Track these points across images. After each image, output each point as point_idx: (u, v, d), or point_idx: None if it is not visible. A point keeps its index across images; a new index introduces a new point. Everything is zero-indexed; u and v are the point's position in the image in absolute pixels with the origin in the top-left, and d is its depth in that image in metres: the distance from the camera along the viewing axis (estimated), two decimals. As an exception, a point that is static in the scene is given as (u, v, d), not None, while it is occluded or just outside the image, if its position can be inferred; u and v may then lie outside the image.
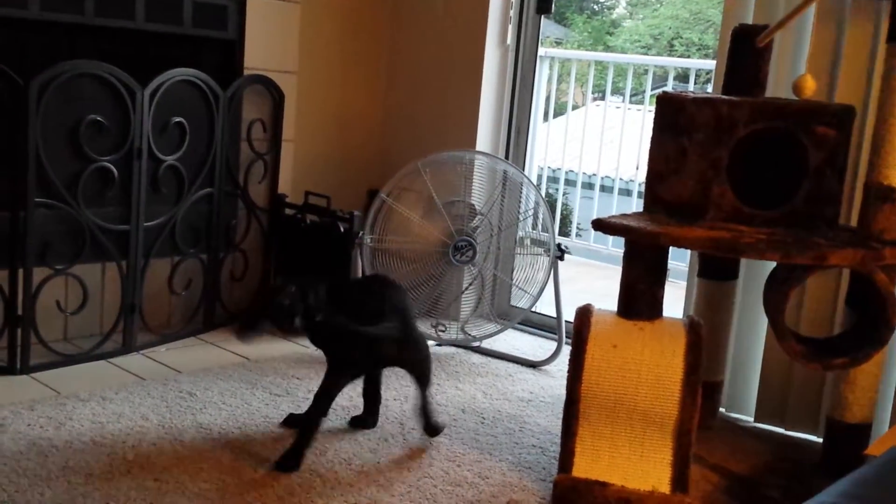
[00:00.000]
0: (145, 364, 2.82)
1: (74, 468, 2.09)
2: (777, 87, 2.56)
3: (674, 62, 5.95)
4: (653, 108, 2.26)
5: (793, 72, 2.55)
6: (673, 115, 2.13)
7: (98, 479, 2.05)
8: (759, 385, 2.68)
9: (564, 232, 5.24)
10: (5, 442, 2.19)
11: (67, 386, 2.57)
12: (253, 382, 2.71)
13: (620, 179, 4.67)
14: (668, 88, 4.21)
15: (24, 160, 2.57)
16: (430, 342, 3.20)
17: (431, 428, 2.40)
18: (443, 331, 3.16)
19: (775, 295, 2.09)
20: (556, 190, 4.80)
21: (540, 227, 3.24)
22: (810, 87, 2.17)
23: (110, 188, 2.81)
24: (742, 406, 2.73)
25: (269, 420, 2.45)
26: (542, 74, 3.69)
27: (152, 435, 2.30)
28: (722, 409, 2.68)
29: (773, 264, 2.22)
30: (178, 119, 2.95)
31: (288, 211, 3.39)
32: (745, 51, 2.31)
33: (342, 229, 3.20)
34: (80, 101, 2.72)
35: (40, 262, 2.67)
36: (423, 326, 3.10)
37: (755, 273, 2.62)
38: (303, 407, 2.55)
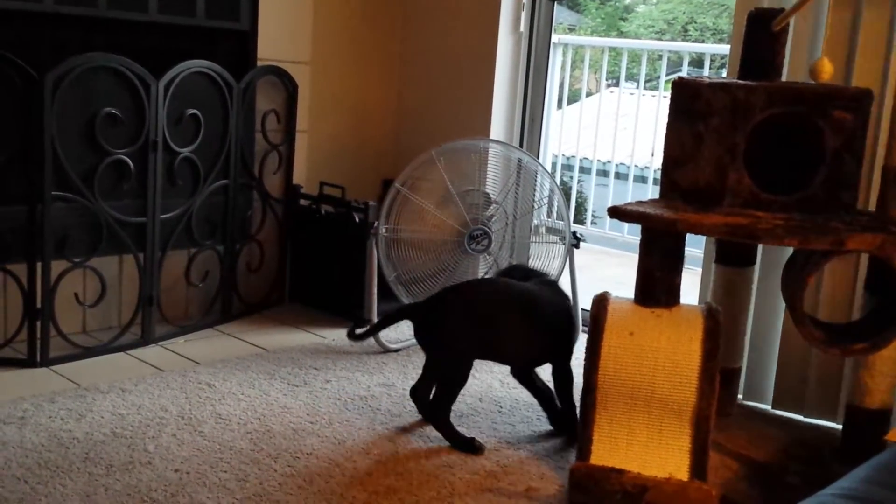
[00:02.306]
0: (164, 355, 2.84)
1: (95, 460, 2.11)
2: (793, 71, 2.54)
3: (688, 47, 5.91)
4: (667, 93, 2.24)
5: (809, 55, 2.53)
6: (689, 101, 2.11)
7: (119, 471, 2.06)
8: (777, 372, 2.67)
9: (579, 220, 5.22)
10: (27, 434, 2.21)
11: (87, 378, 2.59)
12: (271, 373, 2.72)
13: (635, 166, 4.65)
14: (683, 74, 4.18)
15: (40, 154, 2.58)
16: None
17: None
18: (459, 320, 3.15)
19: (793, 281, 2.08)
20: (571, 178, 4.78)
21: (555, 215, 3.23)
22: (828, 70, 2.15)
23: (126, 181, 2.82)
24: (760, 393, 2.72)
25: (288, 410, 2.46)
26: (556, 61, 3.67)
27: (172, 426, 2.31)
28: (739, 397, 2.67)
29: (791, 250, 2.21)
30: (192, 111, 2.95)
31: (303, 202, 3.39)
32: (761, 35, 2.29)
33: (357, 219, 3.21)
34: (95, 95, 2.74)
35: (58, 256, 2.69)
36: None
37: (773, 259, 2.61)
38: (320, 395, 2.57)
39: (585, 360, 2.06)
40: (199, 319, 3.12)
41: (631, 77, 5.44)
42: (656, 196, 2.23)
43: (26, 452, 2.11)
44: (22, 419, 2.29)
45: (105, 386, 2.54)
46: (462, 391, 2.69)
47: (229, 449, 2.21)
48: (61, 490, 1.96)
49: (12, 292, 2.67)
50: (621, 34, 10.99)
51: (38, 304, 2.65)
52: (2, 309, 2.71)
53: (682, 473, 2.01)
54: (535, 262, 3.20)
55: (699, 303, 2.64)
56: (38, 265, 2.63)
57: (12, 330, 2.68)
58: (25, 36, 2.77)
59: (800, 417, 2.62)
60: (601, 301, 2.09)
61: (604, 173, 4.82)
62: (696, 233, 2.03)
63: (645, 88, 4.74)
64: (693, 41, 10.55)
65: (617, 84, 5.21)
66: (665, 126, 2.20)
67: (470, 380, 2.79)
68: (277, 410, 2.46)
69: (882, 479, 1.36)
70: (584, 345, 2.08)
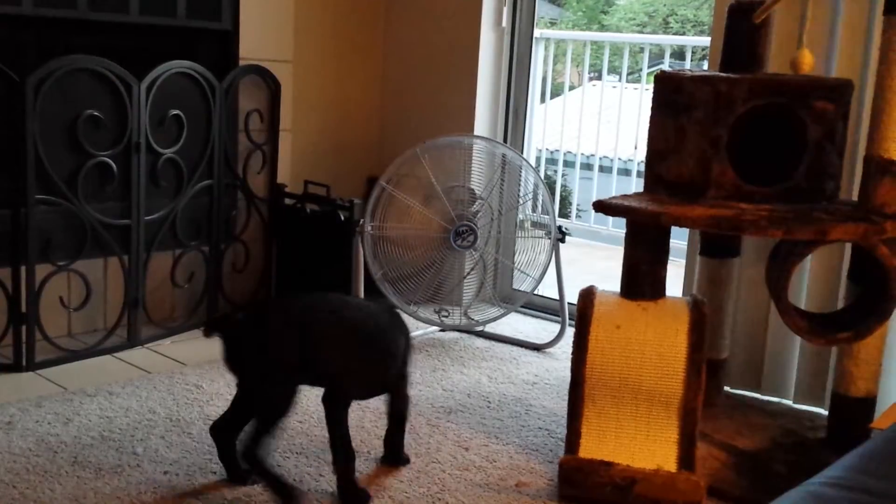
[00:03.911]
0: (151, 358, 2.83)
1: (84, 463, 2.10)
2: (774, 62, 2.55)
3: (669, 40, 5.93)
4: (650, 86, 2.25)
5: (790, 47, 2.54)
6: (671, 94, 2.12)
7: (108, 474, 2.06)
8: (763, 361, 2.69)
9: (564, 213, 5.23)
10: (14, 439, 2.20)
11: (74, 382, 2.58)
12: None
13: (619, 159, 4.66)
14: (665, 66, 4.20)
15: (22, 157, 2.57)
16: (433, 328, 3.22)
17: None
18: (446, 316, 3.16)
19: (778, 271, 2.10)
20: (555, 171, 4.79)
21: (540, 209, 3.24)
22: (808, 62, 2.16)
23: (110, 183, 2.81)
24: (747, 383, 2.74)
25: (276, 410, 2.46)
26: (538, 56, 3.68)
27: (160, 428, 2.31)
28: (726, 388, 2.69)
29: (776, 241, 2.22)
30: (175, 112, 2.94)
31: (288, 201, 3.38)
32: (742, 27, 2.30)
33: (343, 218, 3.20)
34: (77, 97, 2.72)
35: (42, 259, 2.67)
36: (427, 312, 3.12)
37: (757, 250, 2.63)
38: (308, 394, 2.56)
39: (573, 353, 2.07)
40: (186, 320, 3.11)
41: (613, 70, 5.46)
42: (640, 189, 2.24)
43: (14, 457, 2.10)
44: (9, 424, 2.27)
45: (92, 389, 2.53)
46: (451, 387, 2.70)
47: (219, 450, 2.21)
48: (50, 494, 1.95)
49: (-4, 297, 2.66)
50: (603, 28, 11.01)
51: (23, 309, 2.64)
52: (-14, 314, 2.70)
53: (671, 465, 2.02)
54: (521, 257, 3.21)
55: (684, 295, 2.65)
56: (23, 269, 2.62)
57: (-3, 335, 2.67)
58: (5, 39, 2.75)
59: (787, 404, 2.64)
60: (587, 295, 2.10)
61: (588, 167, 4.84)
62: (681, 226, 2.04)
63: (627, 81, 4.75)
64: (674, 34, 10.58)
65: (599, 77, 5.22)
66: (648, 119, 2.21)
67: (458, 375, 2.80)
68: (266, 410, 2.45)
69: (868, 467, 1.38)
70: (572, 339, 2.09)
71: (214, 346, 2.93)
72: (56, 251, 2.73)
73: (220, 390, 2.56)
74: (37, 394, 2.48)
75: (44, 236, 2.69)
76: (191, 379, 2.64)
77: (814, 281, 2.58)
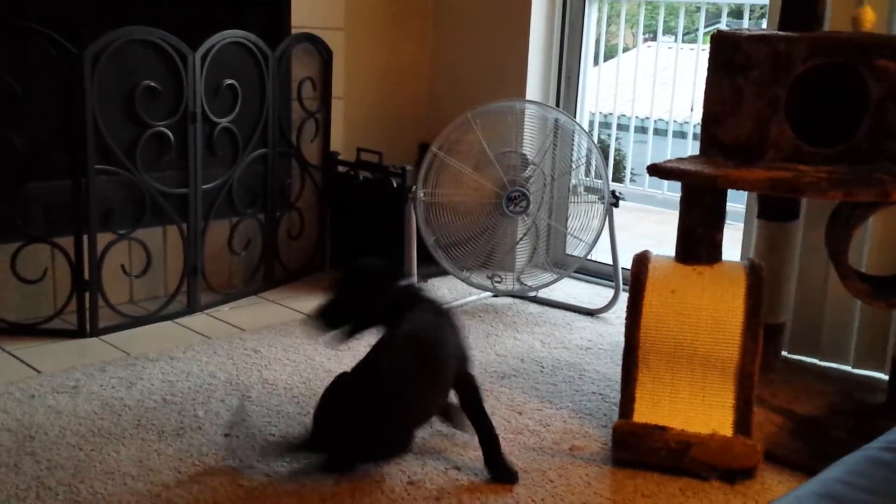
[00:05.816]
0: (210, 323, 2.89)
1: (147, 426, 2.16)
2: (834, 20, 2.48)
3: (726, -1, 5.79)
4: (706, 47, 2.21)
5: (850, 4, 2.47)
6: (728, 54, 2.08)
7: (170, 436, 2.11)
8: (823, 325, 2.64)
9: (618, 178, 5.17)
10: (79, 403, 2.26)
11: (136, 347, 2.65)
12: (315, 338, 2.75)
13: (674, 122, 4.58)
14: (722, 26, 4.11)
15: (82, 128, 2.62)
16: (487, 294, 3.23)
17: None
18: (499, 282, 3.17)
19: (838, 234, 2.05)
20: (609, 135, 4.73)
21: (593, 174, 3.21)
22: (870, 19, 2.10)
23: (167, 153, 2.86)
24: (807, 347, 2.70)
25: (333, 374, 2.49)
26: (591, 17, 3.62)
27: (220, 392, 2.36)
28: (785, 353, 2.66)
29: (836, 203, 2.18)
30: (229, 81, 2.97)
31: (341, 168, 3.41)
32: (801, -16, 2.24)
33: (395, 184, 3.21)
34: (134, 68, 2.76)
35: (104, 228, 2.73)
36: (479, 278, 3.13)
37: (817, 212, 2.58)
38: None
39: (627, 318, 2.06)
40: (243, 287, 3.16)
41: (668, 31, 5.36)
42: (696, 151, 2.21)
43: (80, 420, 2.17)
44: (74, 388, 2.34)
45: (154, 354, 2.59)
46: (504, 352, 2.71)
47: (277, 413, 2.25)
48: (115, 456, 2.01)
49: (61, 265, 2.72)
50: (658, -13, 10.78)
51: (86, 276, 2.71)
52: (51, 281, 2.77)
53: (726, 429, 2.00)
54: (574, 222, 3.19)
55: (742, 259, 2.62)
56: (85, 238, 2.68)
57: (62, 302, 2.74)
58: (62, 12, 2.79)
59: (846, 369, 2.60)
60: (642, 259, 2.08)
61: (642, 130, 4.77)
62: (738, 188, 2.00)
63: (683, 42, 4.65)
64: (731, -8, 10.32)
65: (654, 38, 5.13)
66: (704, 80, 2.17)
67: (511, 341, 2.81)
68: (322, 375, 2.49)
69: (930, 431, 1.35)
70: (626, 304, 2.08)
71: (272, 311, 2.97)
72: (116, 220, 2.79)
73: (278, 355, 2.61)
74: (100, 359, 2.55)
75: (104, 205, 2.74)
76: (249, 344, 2.69)
77: (875, 244, 2.53)
